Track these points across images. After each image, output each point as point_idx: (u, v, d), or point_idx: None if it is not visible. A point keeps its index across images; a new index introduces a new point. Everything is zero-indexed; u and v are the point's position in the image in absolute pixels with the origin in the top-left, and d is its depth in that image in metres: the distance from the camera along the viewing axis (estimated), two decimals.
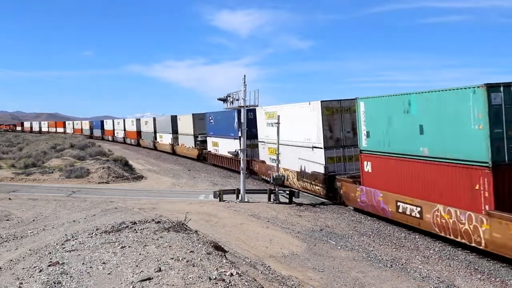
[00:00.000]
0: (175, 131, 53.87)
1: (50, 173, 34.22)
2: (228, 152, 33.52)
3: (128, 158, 44.25)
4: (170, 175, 36.84)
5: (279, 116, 25.16)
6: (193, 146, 47.66)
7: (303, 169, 25.25)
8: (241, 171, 24.24)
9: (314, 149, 24.09)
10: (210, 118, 42.63)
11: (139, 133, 71.52)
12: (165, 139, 57.66)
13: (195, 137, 47.14)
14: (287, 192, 23.74)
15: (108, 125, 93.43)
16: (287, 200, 23.37)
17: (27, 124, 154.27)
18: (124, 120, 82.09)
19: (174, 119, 54.16)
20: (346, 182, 21.48)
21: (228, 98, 25.02)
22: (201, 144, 45.88)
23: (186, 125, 50.35)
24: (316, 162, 23.93)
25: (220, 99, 25.40)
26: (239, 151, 24.83)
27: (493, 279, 12.57)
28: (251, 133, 31.15)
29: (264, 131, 30.74)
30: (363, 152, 19.72)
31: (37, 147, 52.14)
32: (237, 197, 23.68)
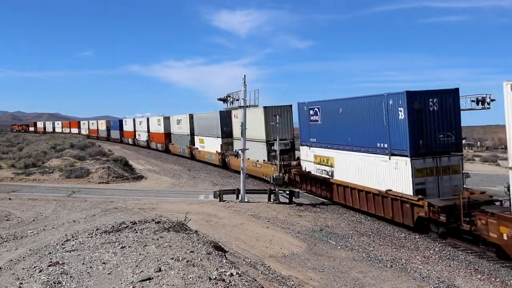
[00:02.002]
0: (226, 133, 37.83)
1: (50, 173, 34.22)
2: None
3: (128, 158, 44.24)
4: (170, 175, 36.83)
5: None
6: (266, 159, 30.39)
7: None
8: (241, 171, 24.23)
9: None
10: (314, 111, 24.72)
11: (167, 135, 55.53)
12: (209, 145, 41.69)
13: (270, 145, 29.64)
14: (287, 192, 23.74)
15: (128, 125, 75.98)
16: (287, 200, 23.36)
17: (40, 125, 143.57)
18: (148, 119, 64.75)
19: (224, 116, 37.46)
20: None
21: (228, 98, 25.04)
22: (283, 156, 27.89)
23: (250, 126, 28.96)
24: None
25: (220, 99, 25.42)
26: (239, 151, 24.82)
27: (493, 279, 12.58)
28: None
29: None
30: None
31: (37, 147, 52.12)
32: (237, 197, 23.67)
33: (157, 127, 59.11)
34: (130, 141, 74.00)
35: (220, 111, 36.00)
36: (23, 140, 69.85)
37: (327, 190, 23.57)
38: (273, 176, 25.30)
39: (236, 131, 32.61)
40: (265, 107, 30.22)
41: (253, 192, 24.86)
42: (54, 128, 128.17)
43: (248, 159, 28.68)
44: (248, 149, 25.21)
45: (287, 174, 27.31)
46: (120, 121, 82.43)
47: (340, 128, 22.26)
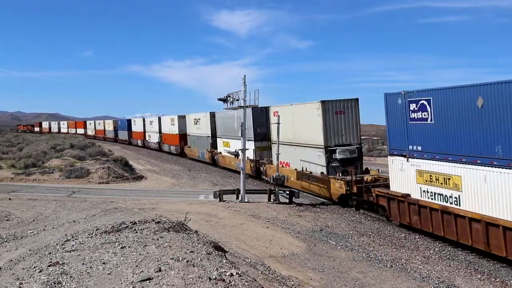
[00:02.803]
0: (261, 136, 31.30)
1: (50, 173, 34.22)
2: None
3: (128, 158, 44.25)
4: (170, 175, 36.84)
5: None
6: (325, 171, 23.42)
7: None
8: (241, 171, 24.24)
9: None
10: (419, 104, 16.88)
11: (183, 137, 49.27)
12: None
13: (330, 152, 23.32)
14: (287, 192, 23.74)
15: (137, 126, 69.45)
16: (287, 200, 23.37)
17: (45, 125, 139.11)
18: (159, 119, 58.12)
19: (258, 114, 30.94)
20: None
21: (228, 98, 25.07)
22: (350, 167, 22.03)
23: (298, 126, 25.97)
24: None
25: (220, 99, 25.46)
26: (239, 151, 24.84)
27: (493, 279, 12.58)
28: None
29: None
30: None
31: (37, 147, 52.12)
32: (237, 197, 23.69)
33: (171, 128, 52.26)
34: (140, 142, 67.33)
35: (253, 108, 27.14)
36: (23, 140, 69.83)
37: (447, 226, 15.51)
38: (273, 176, 25.30)
39: (275, 132, 26.59)
40: (323, 101, 23.28)
41: (253, 192, 24.87)
42: (59, 128, 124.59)
43: (296, 169, 25.59)
44: (248, 149, 25.19)
45: (355, 192, 20.73)
46: (129, 121, 75.37)
47: (476, 131, 14.23)
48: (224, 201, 23.44)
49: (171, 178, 34.92)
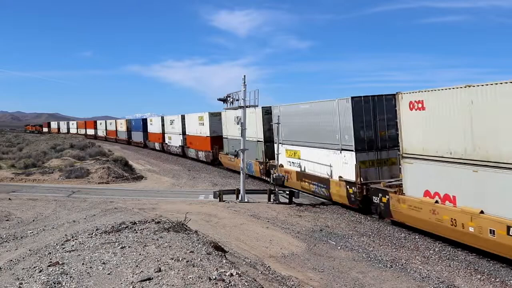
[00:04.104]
0: (366, 143, 20.18)
1: (50, 173, 34.21)
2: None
3: (128, 159, 44.22)
4: (170, 175, 36.83)
5: None
6: None
7: None
8: (241, 172, 24.24)
9: None
10: None
11: (216, 140, 39.22)
12: (319, 164, 22.99)
13: None
14: (287, 192, 23.74)
15: (153, 126, 59.89)
16: (287, 200, 23.37)
17: (54, 125, 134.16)
18: (183, 117, 47.98)
19: (361, 107, 20.08)
20: None
21: (228, 99, 25.07)
22: None
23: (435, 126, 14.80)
24: None
25: (220, 99, 25.44)
26: (239, 151, 24.84)
27: (493, 279, 12.57)
28: None
29: None
30: None
31: (37, 147, 52.12)
32: (237, 197, 23.69)
33: (199, 128, 42.64)
34: (157, 146, 57.56)
35: (352, 98, 19.75)
36: (23, 140, 69.81)
37: None
38: (273, 176, 25.29)
39: (409, 137, 16.17)
40: None
41: (253, 192, 24.86)
42: (68, 128, 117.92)
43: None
44: (248, 149, 25.16)
45: None
46: (144, 120, 65.23)
47: None
48: (224, 201, 23.43)
49: (171, 178, 34.92)
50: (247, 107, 24.11)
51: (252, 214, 20.14)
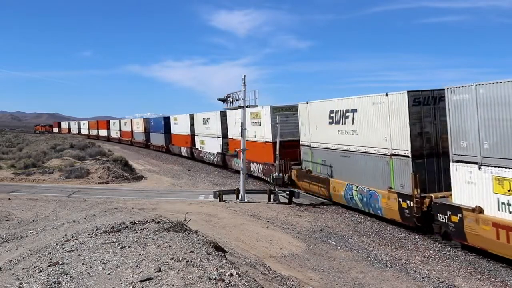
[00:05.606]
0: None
1: (50, 173, 34.21)
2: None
3: (128, 159, 44.20)
4: (170, 175, 36.83)
5: None
6: None
7: None
8: (241, 172, 24.24)
9: None
10: None
11: (276, 147, 24.93)
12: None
13: None
14: (287, 192, 23.74)
15: (179, 125, 48.80)
16: (287, 200, 23.36)
17: (64, 125, 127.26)
18: (222, 114, 36.78)
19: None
20: None
21: (228, 99, 25.07)
22: None
23: None
24: None
25: (220, 100, 25.44)
26: (239, 151, 24.83)
27: (493, 279, 12.57)
28: None
29: None
30: None
31: (37, 147, 52.12)
32: (237, 197, 23.68)
33: (252, 129, 29.54)
34: (185, 151, 46.26)
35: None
36: (23, 140, 69.81)
37: None
38: (273, 176, 25.29)
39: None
40: None
41: (253, 192, 24.85)
42: (79, 129, 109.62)
43: None
44: (247, 149, 25.15)
45: None
46: (166, 119, 53.03)
47: None
48: (224, 201, 23.43)
49: (171, 178, 34.92)
50: (247, 107, 24.11)
51: (252, 214, 20.14)
